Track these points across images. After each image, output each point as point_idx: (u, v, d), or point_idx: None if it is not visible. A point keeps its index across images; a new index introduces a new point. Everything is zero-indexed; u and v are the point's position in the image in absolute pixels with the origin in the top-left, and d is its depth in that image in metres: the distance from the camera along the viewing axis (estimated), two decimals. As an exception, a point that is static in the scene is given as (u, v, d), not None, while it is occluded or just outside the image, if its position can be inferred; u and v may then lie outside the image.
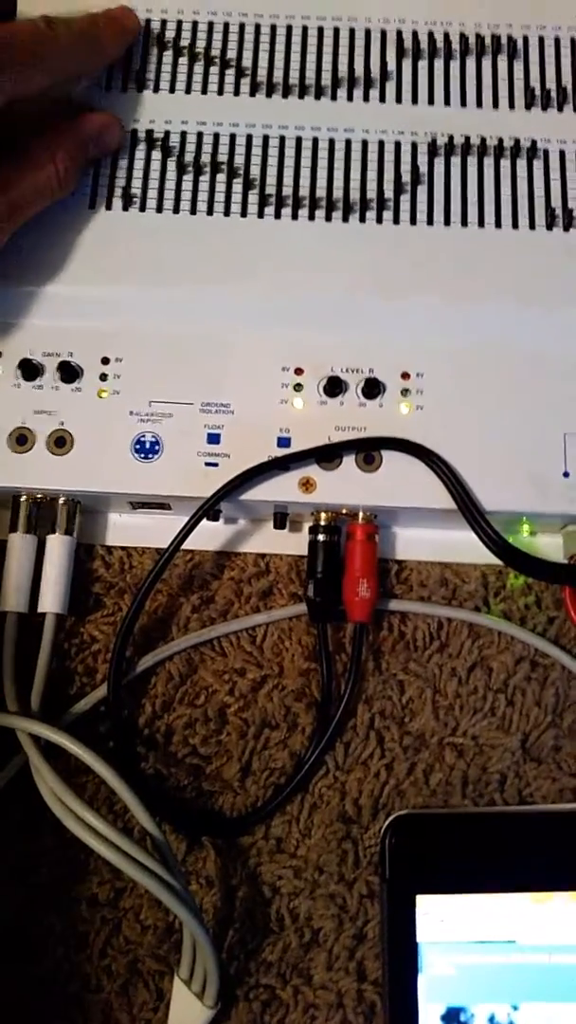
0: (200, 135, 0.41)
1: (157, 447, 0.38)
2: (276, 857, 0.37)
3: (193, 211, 0.40)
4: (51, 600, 0.38)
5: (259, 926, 0.36)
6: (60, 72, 0.38)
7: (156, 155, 0.41)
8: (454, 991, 0.34)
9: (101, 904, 0.36)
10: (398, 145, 0.41)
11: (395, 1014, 0.34)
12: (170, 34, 0.42)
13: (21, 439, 0.38)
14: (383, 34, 0.43)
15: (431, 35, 0.42)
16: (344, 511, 0.38)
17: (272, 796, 0.37)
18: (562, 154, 0.41)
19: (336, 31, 0.43)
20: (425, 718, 0.38)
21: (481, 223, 0.40)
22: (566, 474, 0.37)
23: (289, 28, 0.43)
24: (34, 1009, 0.35)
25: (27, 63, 0.36)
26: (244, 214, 0.40)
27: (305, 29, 0.43)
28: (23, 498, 0.38)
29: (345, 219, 0.40)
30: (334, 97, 0.42)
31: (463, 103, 0.42)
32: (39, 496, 0.38)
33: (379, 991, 0.36)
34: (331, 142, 0.41)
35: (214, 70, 0.42)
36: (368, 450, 0.38)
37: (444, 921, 0.35)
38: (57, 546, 0.38)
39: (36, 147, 0.37)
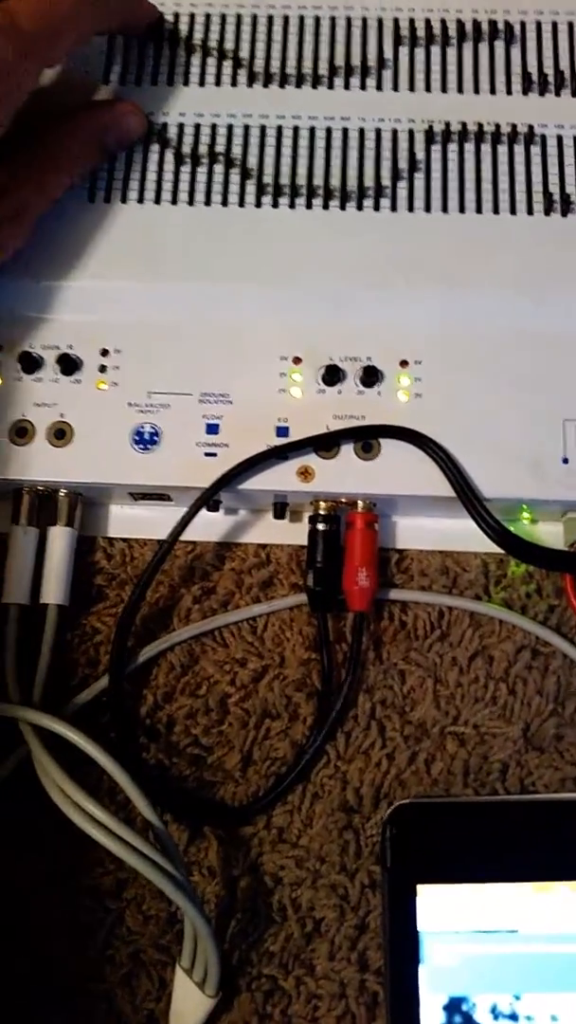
0: (198, 126, 0.41)
1: (156, 438, 0.38)
2: (278, 847, 0.37)
3: (191, 202, 0.40)
4: (53, 592, 0.38)
5: (261, 916, 0.36)
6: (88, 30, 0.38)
7: (154, 146, 0.41)
8: (456, 981, 0.34)
9: (103, 894, 0.36)
10: (395, 133, 0.41)
11: (397, 1004, 0.34)
12: (167, 26, 0.42)
13: (21, 431, 0.38)
14: (379, 22, 0.42)
15: (428, 22, 0.42)
16: (343, 500, 0.38)
17: (273, 786, 0.37)
18: (560, 139, 0.40)
19: (333, 20, 0.42)
20: (426, 707, 0.38)
21: (479, 209, 0.40)
22: (565, 460, 0.37)
23: (286, 18, 0.43)
24: (37, 999, 0.36)
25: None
26: (242, 204, 0.40)
27: (302, 19, 0.43)
28: (24, 490, 0.39)
29: (343, 207, 0.40)
30: (331, 86, 0.42)
31: (460, 90, 0.41)
32: (40, 488, 0.39)
33: (381, 981, 0.35)
34: (328, 131, 0.41)
35: (211, 61, 0.42)
36: (366, 438, 0.38)
37: (445, 911, 0.35)
38: (58, 538, 0.39)
39: (52, 139, 0.37)
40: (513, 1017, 0.34)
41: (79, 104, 0.40)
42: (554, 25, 0.42)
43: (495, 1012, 0.34)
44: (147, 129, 0.41)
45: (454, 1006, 0.34)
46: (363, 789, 0.37)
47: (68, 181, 0.38)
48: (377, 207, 0.40)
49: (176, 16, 0.43)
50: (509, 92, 0.41)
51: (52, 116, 0.39)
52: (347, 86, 0.42)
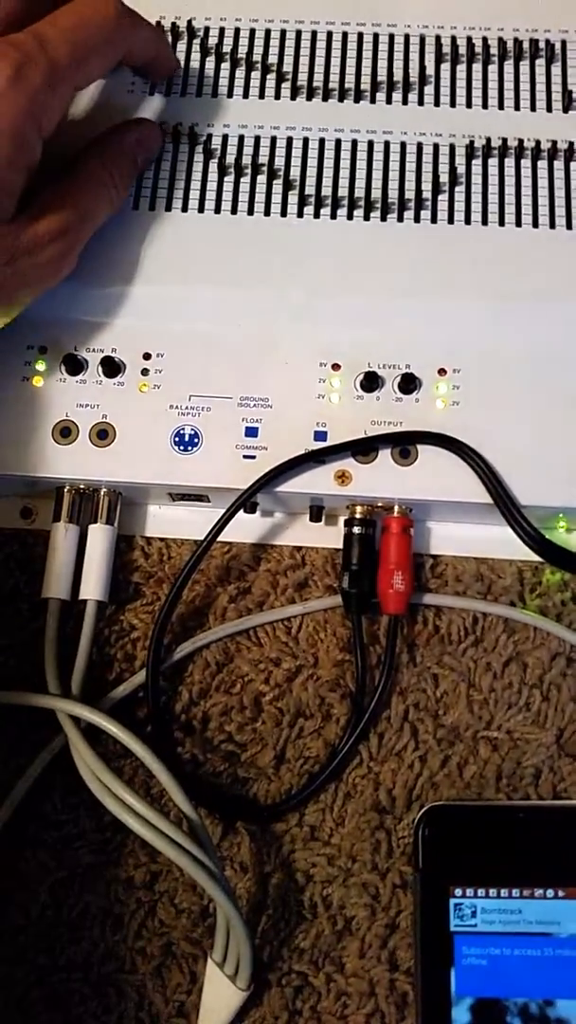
0: (242, 137, 0.42)
1: (196, 440, 0.39)
2: (310, 844, 0.37)
3: (234, 211, 0.41)
4: (92, 588, 0.39)
5: (292, 912, 0.37)
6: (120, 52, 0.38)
7: (198, 157, 0.42)
8: (487, 983, 0.34)
9: (137, 887, 0.37)
10: (436, 147, 0.42)
11: (427, 1005, 0.34)
12: (213, 40, 0.44)
13: (65, 431, 0.39)
14: (422, 39, 0.43)
15: (469, 40, 0.43)
16: (379, 504, 0.39)
17: (306, 784, 0.38)
18: (599, 154, 0.41)
19: (376, 36, 0.43)
20: (459, 711, 0.39)
21: (518, 223, 0.40)
22: (603, 469, 0.37)
23: (329, 34, 0.44)
24: (70, 989, 0.36)
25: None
26: (284, 214, 0.41)
27: (345, 35, 0.44)
28: (66, 489, 0.39)
29: (383, 219, 0.41)
30: (373, 100, 0.43)
31: (500, 106, 0.42)
32: (82, 487, 0.39)
33: (411, 981, 0.36)
34: (370, 144, 0.42)
35: (256, 75, 0.43)
36: (404, 444, 0.38)
37: (477, 913, 0.35)
38: (99, 536, 0.39)
39: (92, 161, 0.38)
40: (544, 1021, 0.34)
41: (111, 123, 0.41)
42: (594, 43, 0.43)
43: (526, 1015, 0.34)
44: (165, 141, 0.42)
45: (484, 1008, 0.34)
46: (395, 790, 0.38)
47: (109, 206, 0.39)
48: (417, 219, 0.41)
49: (221, 31, 0.44)
50: (549, 109, 0.42)
51: (86, 138, 0.39)
52: (389, 101, 0.43)
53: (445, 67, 0.43)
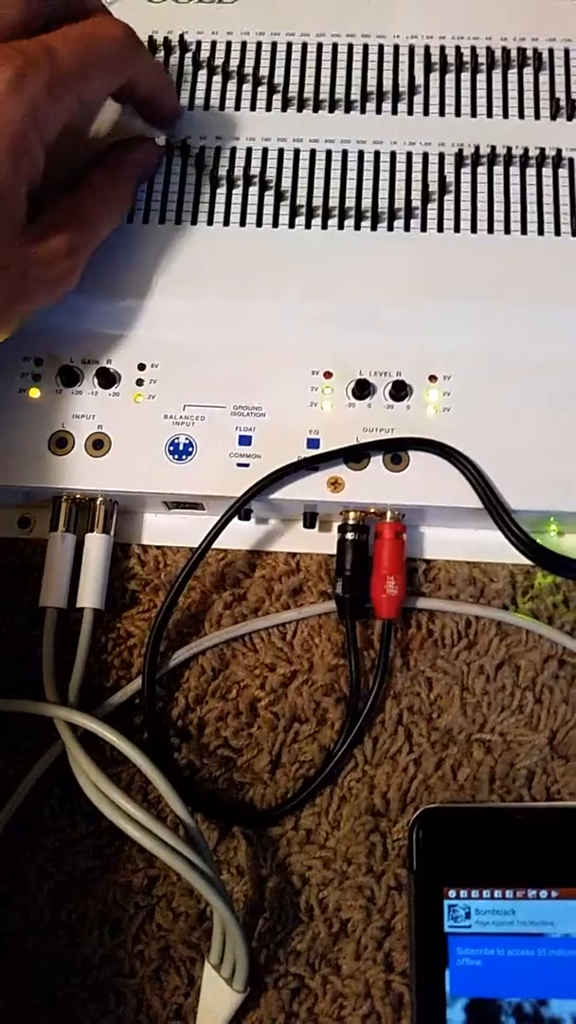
0: (234, 149, 0.43)
1: (191, 449, 0.39)
2: (305, 848, 0.38)
3: (226, 223, 0.42)
4: (89, 596, 0.39)
5: (288, 915, 0.37)
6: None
7: (191, 170, 0.42)
8: (481, 984, 0.35)
9: (135, 891, 0.37)
10: (426, 156, 0.42)
11: (422, 1005, 0.35)
12: (204, 54, 0.44)
13: (61, 442, 0.40)
14: (411, 49, 0.44)
15: (458, 49, 0.44)
16: (372, 510, 0.39)
17: (301, 788, 0.38)
18: (586, 161, 0.42)
19: (365, 47, 0.44)
20: (453, 714, 0.39)
21: (507, 230, 0.41)
22: (593, 472, 0.38)
23: (319, 45, 0.44)
24: (69, 993, 0.36)
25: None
26: (276, 225, 0.41)
27: (335, 45, 0.44)
28: (63, 498, 0.40)
29: (374, 228, 0.41)
30: (363, 110, 0.43)
31: (489, 115, 0.43)
32: (78, 496, 0.40)
33: (406, 982, 0.36)
34: (360, 154, 0.42)
35: (247, 87, 0.44)
36: (395, 450, 0.39)
37: (471, 914, 0.35)
38: (95, 544, 0.40)
39: (97, 179, 0.39)
40: (538, 1021, 0.34)
41: (114, 140, 0.41)
42: (581, 52, 0.43)
43: (520, 1015, 0.34)
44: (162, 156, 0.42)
45: (479, 1008, 0.34)
46: (390, 793, 0.38)
47: (113, 221, 0.39)
48: (407, 228, 0.41)
49: (213, 44, 0.44)
50: (537, 117, 0.43)
51: (90, 154, 0.40)
52: (379, 111, 0.43)
53: (434, 76, 0.43)
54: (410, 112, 0.43)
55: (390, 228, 0.41)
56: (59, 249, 0.36)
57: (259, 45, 0.44)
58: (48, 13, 0.36)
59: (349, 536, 0.39)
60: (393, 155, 0.42)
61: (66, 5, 0.37)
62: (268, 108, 0.43)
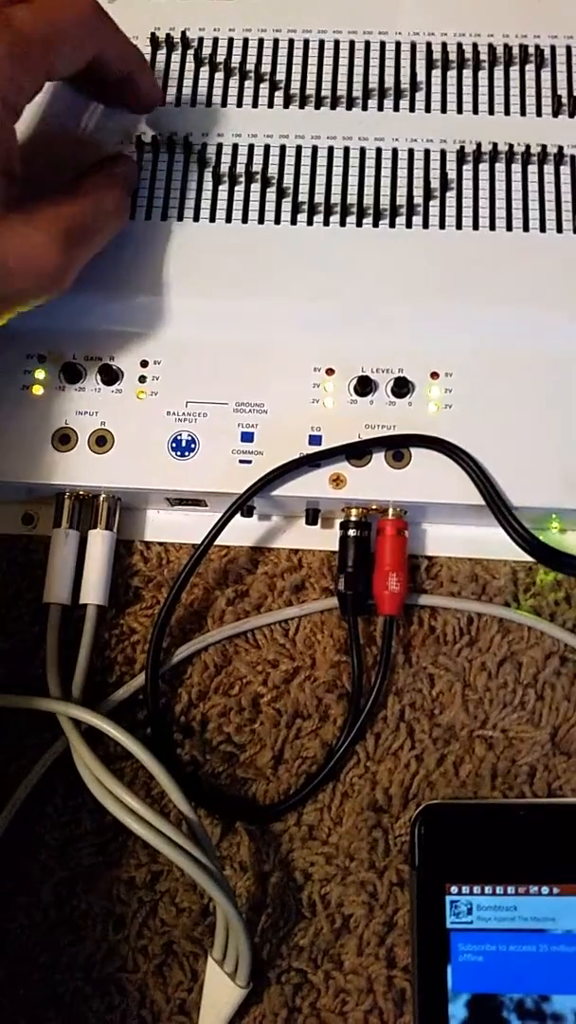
0: (235, 146, 0.43)
1: (193, 445, 0.39)
2: (308, 844, 0.38)
3: (228, 220, 0.42)
4: (92, 592, 0.39)
5: (291, 911, 0.37)
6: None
7: (193, 167, 0.42)
8: (483, 979, 0.35)
9: (138, 887, 0.38)
10: (427, 153, 0.42)
11: (424, 1001, 0.35)
12: (206, 51, 0.44)
13: (64, 439, 0.40)
14: (413, 46, 0.44)
15: (460, 46, 0.44)
16: (374, 507, 0.39)
17: (304, 784, 0.38)
18: (588, 159, 0.42)
19: (367, 44, 0.44)
20: (455, 711, 0.39)
21: (508, 227, 0.41)
22: (595, 469, 0.38)
23: (321, 42, 0.44)
24: (73, 988, 0.37)
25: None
26: (278, 222, 0.41)
27: (337, 43, 0.44)
28: (66, 495, 0.40)
29: (375, 225, 0.41)
30: (365, 107, 0.43)
31: (491, 111, 0.43)
32: (81, 493, 0.40)
33: (409, 978, 0.36)
34: (362, 151, 0.42)
35: (249, 84, 0.44)
36: (397, 447, 0.39)
37: (473, 910, 0.35)
38: (98, 541, 0.40)
39: (95, 181, 0.39)
40: (540, 1016, 0.34)
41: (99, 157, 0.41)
42: (583, 49, 0.43)
43: (522, 1011, 0.34)
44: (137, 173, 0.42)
45: (481, 1003, 0.34)
46: (392, 789, 0.38)
47: (111, 231, 0.39)
48: (409, 224, 0.41)
49: (215, 41, 0.44)
50: (539, 114, 0.43)
51: (78, 160, 0.40)
52: (380, 107, 0.43)
53: (436, 73, 0.43)
54: (412, 109, 0.43)
55: (392, 225, 0.41)
56: (46, 242, 0.35)
57: (261, 42, 0.44)
58: None
59: (351, 533, 0.39)
60: (395, 152, 0.42)
61: None
62: (270, 105, 0.43)
